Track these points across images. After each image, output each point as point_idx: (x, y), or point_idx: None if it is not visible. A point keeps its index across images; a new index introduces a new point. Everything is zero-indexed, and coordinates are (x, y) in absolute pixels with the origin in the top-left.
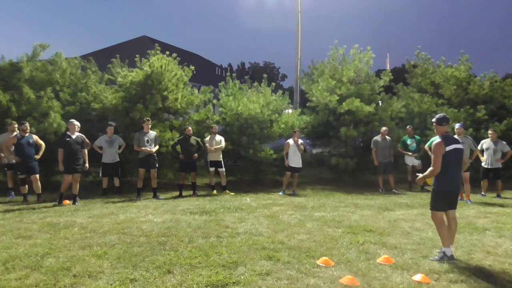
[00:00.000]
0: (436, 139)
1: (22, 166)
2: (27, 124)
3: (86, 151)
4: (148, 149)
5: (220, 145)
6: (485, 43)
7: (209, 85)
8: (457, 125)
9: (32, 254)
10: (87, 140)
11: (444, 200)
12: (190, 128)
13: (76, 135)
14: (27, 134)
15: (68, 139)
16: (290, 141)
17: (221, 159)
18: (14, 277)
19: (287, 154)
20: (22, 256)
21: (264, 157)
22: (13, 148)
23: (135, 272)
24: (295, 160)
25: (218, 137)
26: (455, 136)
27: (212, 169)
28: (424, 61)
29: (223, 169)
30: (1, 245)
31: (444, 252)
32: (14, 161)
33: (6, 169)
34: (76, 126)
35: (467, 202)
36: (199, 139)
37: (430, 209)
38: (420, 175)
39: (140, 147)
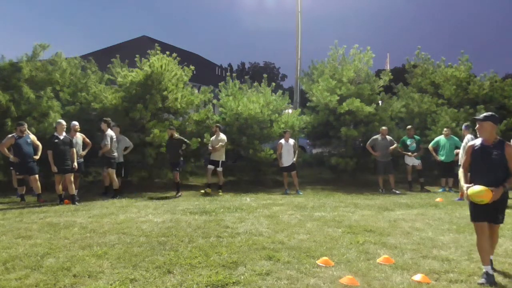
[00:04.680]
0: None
1: (20, 166)
2: (25, 125)
3: (74, 150)
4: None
5: (220, 144)
6: (485, 43)
7: (209, 85)
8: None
9: (32, 254)
10: (87, 140)
11: None
12: (171, 130)
13: (63, 135)
14: (24, 135)
15: (55, 140)
16: (282, 141)
17: (220, 159)
18: (14, 277)
19: (280, 154)
20: (22, 256)
21: (264, 157)
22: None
23: (135, 272)
24: (289, 160)
25: (222, 136)
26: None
27: (210, 167)
28: (424, 61)
29: (220, 168)
30: (1, 245)
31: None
32: (13, 161)
33: (11, 168)
34: (64, 127)
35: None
36: (182, 138)
37: (501, 223)
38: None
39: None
